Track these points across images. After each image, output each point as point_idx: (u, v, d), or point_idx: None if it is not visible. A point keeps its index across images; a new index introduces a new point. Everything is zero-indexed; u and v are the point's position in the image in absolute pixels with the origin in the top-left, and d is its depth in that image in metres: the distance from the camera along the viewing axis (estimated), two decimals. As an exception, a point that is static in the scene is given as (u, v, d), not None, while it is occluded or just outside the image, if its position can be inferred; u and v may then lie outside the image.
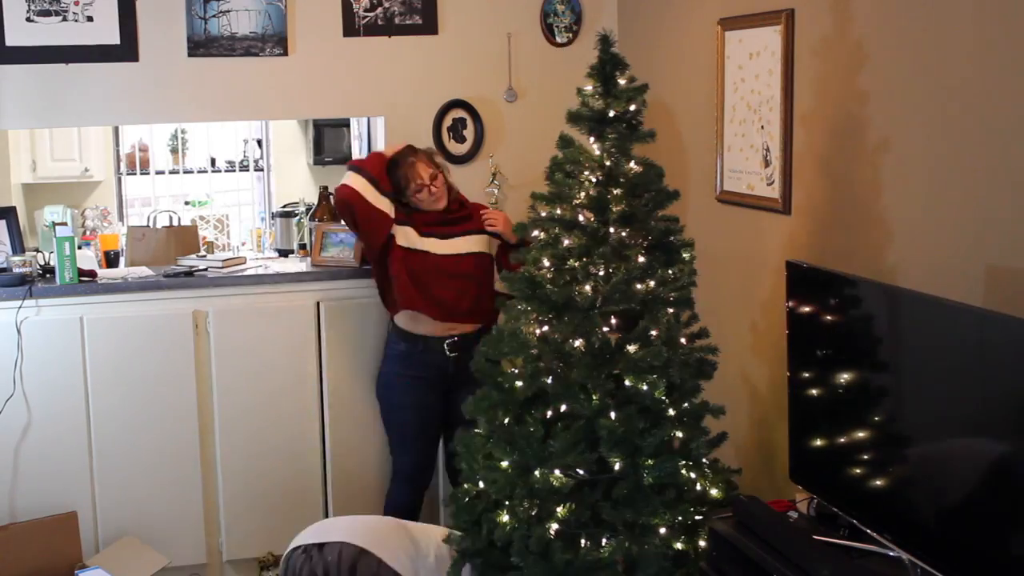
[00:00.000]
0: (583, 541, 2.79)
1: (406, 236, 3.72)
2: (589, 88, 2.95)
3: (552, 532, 2.77)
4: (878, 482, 2.46)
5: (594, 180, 2.89)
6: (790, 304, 2.76)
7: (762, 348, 3.31)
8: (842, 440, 2.59)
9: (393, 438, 3.90)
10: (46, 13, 3.88)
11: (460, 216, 3.80)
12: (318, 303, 4.00)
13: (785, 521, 2.70)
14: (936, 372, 2.25)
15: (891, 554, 2.40)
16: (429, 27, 4.18)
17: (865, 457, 2.50)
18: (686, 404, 2.86)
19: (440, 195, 3.74)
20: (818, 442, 2.69)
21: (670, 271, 2.89)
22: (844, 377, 2.57)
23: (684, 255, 2.94)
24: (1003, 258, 2.29)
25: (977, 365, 2.15)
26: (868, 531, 2.46)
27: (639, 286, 2.82)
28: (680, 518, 2.79)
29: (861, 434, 2.52)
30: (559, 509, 2.79)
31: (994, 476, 2.08)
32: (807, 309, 2.71)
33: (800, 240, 3.06)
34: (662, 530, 2.77)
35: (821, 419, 2.67)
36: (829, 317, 2.64)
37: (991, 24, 2.30)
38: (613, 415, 2.74)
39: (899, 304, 2.39)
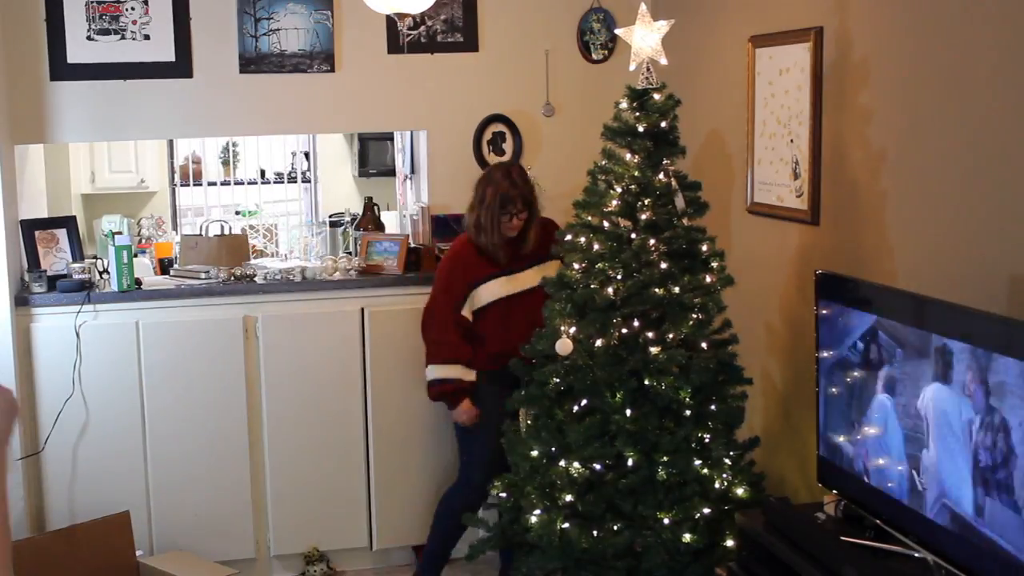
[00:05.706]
0: (593, 531, 2.89)
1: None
2: (624, 104, 3.07)
3: (567, 520, 2.87)
4: (903, 485, 2.51)
5: (620, 190, 3.01)
6: (818, 312, 2.82)
7: (791, 355, 3.37)
8: (868, 444, 2.64)
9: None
10: (105, 32, 4.03)
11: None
12: (363, 309, 4.11)
13: (813, 522, 2.75)
14: (961, 379, 2.27)
15: (916, 555, 2.44)
16: (470, 44, 4.28)
17: (891, 460, 2.55)
18: (712, 407, 2.94)
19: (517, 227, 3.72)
20: (844, 446, 2.74)
21: (697, 277, 2.97)
22: (869, 384, 2.61)
23: (713, 264, 3.02)
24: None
25: (1002, 372, 2.17)
26: (894, 533, 2.51)
27: (657, 290, 2.91)
28: (696, 513, 2.87)
29: (887, 439, 2.56)
30: (574, 498, 2.89)
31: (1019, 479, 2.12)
32: (835, 317, 2.76)
33: (828, 250, 3.12)
34: (666, 522, 2.85)
35: (847, 424, 2.72)
36: (856, 326, 2.68)
37: (1017, 35, 2.35)
38: (628, 412, 2.83)
39: (925, 313, 2.42)
